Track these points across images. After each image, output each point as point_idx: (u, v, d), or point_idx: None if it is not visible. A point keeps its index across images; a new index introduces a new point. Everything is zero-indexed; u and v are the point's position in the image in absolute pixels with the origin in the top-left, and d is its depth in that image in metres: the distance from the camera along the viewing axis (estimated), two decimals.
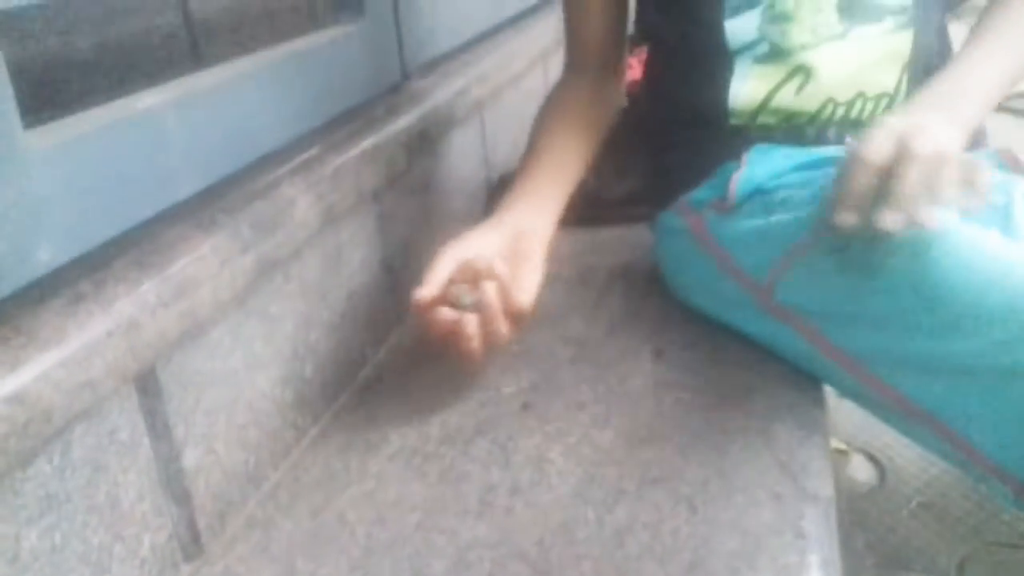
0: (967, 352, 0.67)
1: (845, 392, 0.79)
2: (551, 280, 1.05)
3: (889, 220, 0.65)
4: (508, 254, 0.81)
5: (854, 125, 0.87)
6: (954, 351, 0.68)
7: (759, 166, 0.85)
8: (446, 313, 0.76)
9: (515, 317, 0.78)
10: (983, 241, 0.67)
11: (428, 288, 0.76)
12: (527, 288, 0.79)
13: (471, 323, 0.75)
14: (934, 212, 0.64)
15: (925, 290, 0.68)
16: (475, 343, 0.76)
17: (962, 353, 0.67)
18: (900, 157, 0.66)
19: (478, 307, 0.76)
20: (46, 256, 0.57)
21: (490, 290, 0.76)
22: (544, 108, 0.99)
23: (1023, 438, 0.66)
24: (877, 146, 0.67)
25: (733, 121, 0.88)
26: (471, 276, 0.76)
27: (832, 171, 0.75)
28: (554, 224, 0.88)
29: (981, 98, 0.78)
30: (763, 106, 0.87)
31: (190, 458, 0.66)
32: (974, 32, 0.82)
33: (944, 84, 0.78)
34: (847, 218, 0.67)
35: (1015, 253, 0.67)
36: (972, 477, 0.72)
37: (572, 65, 1.02)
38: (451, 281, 0.77)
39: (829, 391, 0.82)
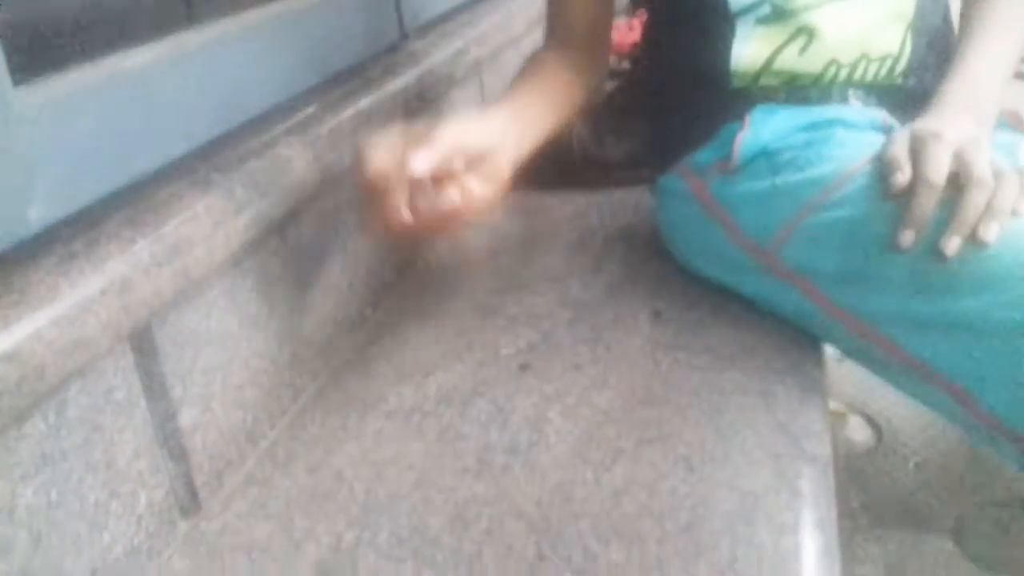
0: (976, 311, 0.66)
1: (850, 352, 0.79)
2: (550, 242, 1.05)
3: (953, 245, 0.67)
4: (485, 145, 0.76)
5: (857, 87, 0.86)
6: (963, 310, 0.67)
7: (763, 126, 0.84)
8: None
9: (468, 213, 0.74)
10: None
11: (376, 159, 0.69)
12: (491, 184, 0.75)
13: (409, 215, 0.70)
14: (995, 230, 0.67)
15: (935, 251, 0.68)
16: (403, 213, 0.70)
17: (971, 312, 0.67)
18: (965, 182, 0.68)
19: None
20: (38, 214, 0.57)
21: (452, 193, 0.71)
22: (523, 69, 0.96)
23: None
24: (937, 163, 0.69)
25: (735, 83, 0.87)
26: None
27: (845, 136, 0.76)
28: (521, 154, 0.83)
29: (995, 91, 0.80)
30: (765, 68, 0.86)
31: (187, 417, 0.66)
32: (970, 17, 0.83)
33: (962, 83, 0.80)
34: (909, 238, 0.69)
35: None
36: (978, 437, 0.72)
37: (554, 40, 0.98)
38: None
39: (828, 352, 0.82)
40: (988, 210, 0.67)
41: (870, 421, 1.18)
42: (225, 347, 0.70)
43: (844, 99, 0.86)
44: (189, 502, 0.67)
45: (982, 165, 0.68)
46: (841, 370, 0.80)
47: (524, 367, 0.81)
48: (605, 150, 1.16)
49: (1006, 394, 0.67)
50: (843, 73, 0.85)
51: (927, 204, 0.69)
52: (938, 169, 0.69)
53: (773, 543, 0.59)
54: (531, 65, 0.95)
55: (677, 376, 0.78)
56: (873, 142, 0.77)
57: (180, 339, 0.65)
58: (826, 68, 0.85)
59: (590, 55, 0.98)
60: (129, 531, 0.61)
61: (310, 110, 0.83)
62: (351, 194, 0.88)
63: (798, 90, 0.86)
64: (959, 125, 0.73)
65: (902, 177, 0.70)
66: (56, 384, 0.53)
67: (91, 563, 0.57)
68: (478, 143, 0.74)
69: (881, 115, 0.84)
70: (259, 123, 0.78)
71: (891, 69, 0.86)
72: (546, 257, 1.02)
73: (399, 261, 0.85)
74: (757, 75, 0.86)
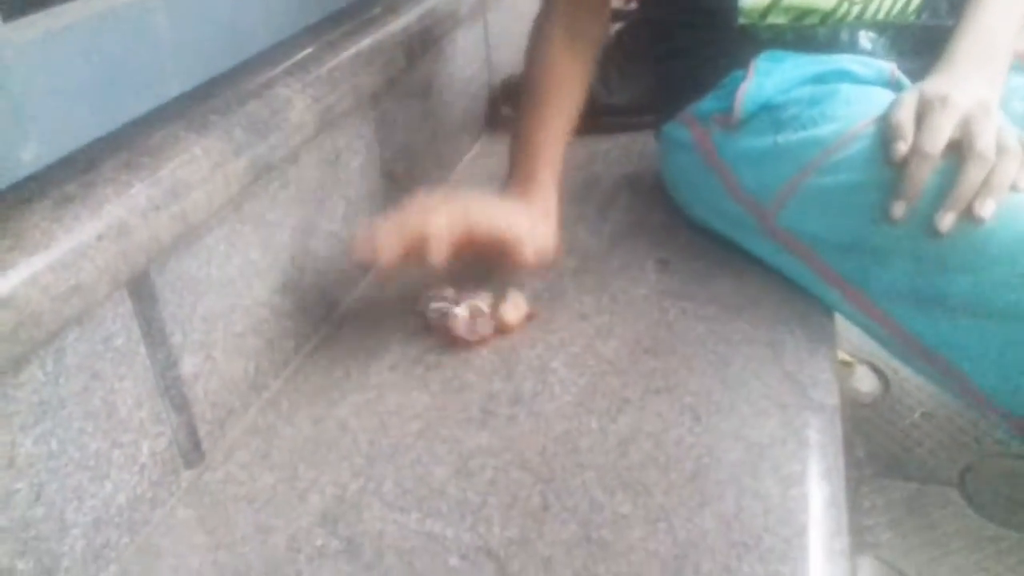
0: (969, 290, 0.66)
1: (848, 319, 0.78)
2: None
3: (947, 221, 0.66)
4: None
5: (869, 27, 0.84)
6: (956, 288, 0.66)
7: (767, 78, 0.82)
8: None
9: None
10: None
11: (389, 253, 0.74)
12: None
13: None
14: (991, 207, 0.65)
15: (930, 225, 0.67)
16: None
17: (964, 291, 0.66)
18: (965, 154, 0.66)
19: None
20: (30, 156, 0.55)
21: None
22: (532, 50, 0.92)
23: (1020, 375, 0.65)
24: (936, 134, 0.67)
25: (741, 21, 0.84)
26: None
27: (849, 90, 0.75)
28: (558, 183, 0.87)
29: (1007, 50, 0.77)
30: (774, 4, 0.83)
31: (188, 365, 0.65)
32: None
33: (975, 36, 0.77)
34: (901, 209, 0.68)
35: None
36: (971, 408, 0.72)
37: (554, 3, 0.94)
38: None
39: None
40: (986, 185, 0.65)
41: (877, 371, 1.18)
42: (226, 294, 0.69)
43: (854, 41, 0.83)
44: (192, 452, 0.66)
45: (986, 137, 0.66)
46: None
47: (529, 317, 0.80)
48: (611, 95, 1.14)
49: (996, 375, 0.66)
50: (855, 10, 0.82)
51: (921, 175, 0.67)
52: (936, 139, 0.67)
53: (780, 493, 0.59)
54: (539, 59, 0.91)
55: (683, 326, 0.77)
56: (880, 100, 0.75)
57: (179, 286, 0.64)
58: (838, 4, 0.82)
59: (594, 11, 0.94)
60: (132, 481, 0.60)
61: (309, 50, 0.81)
62: (352, 136, 0.86)
63: (806, 29, 0.83)
64: (969, 87, 0.70)
65: (903, 146, 0.68)
66: (53, 331, 0.52)
67: (94, 513, 0.57)
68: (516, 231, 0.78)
69: (889, 68, 0.82)
70: (258, 63, 0.76)
71: (905, 4, 0.83)
72: None
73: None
74: (765, 12, 0.83)
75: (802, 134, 0.77)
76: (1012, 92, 0.80)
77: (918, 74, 0.77)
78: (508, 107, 1.21)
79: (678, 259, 0.87)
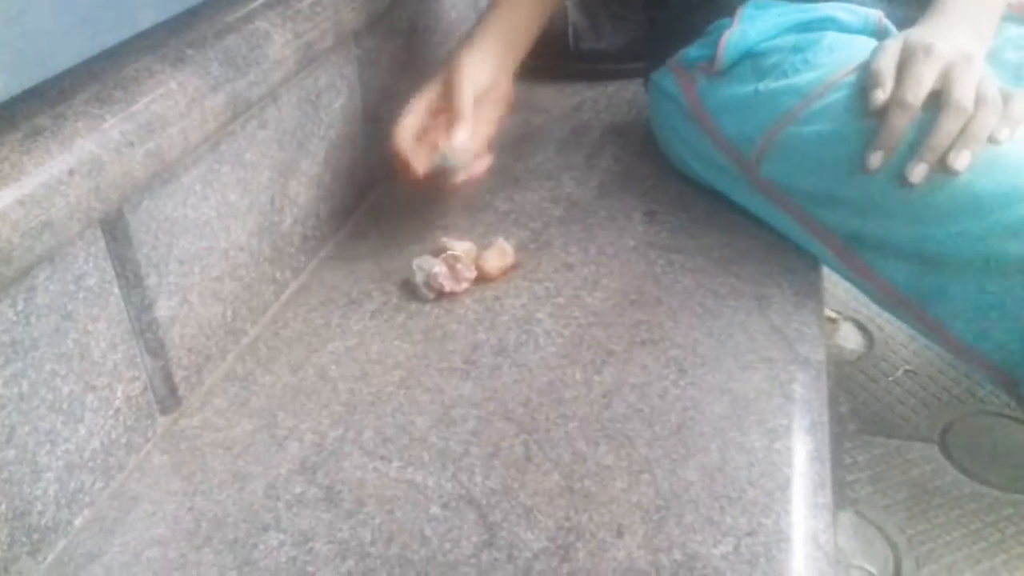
0: (946, 241, 0.65)
1: (833, 270, 0.78)
2: (542, 137, 1.01)
3: (918, 172, 0.65)
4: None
5: None
6: (933, 239, 0.66)
7: (751, 24, 0.80)
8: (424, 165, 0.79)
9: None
10: None
11: (404, 138, 0.79)
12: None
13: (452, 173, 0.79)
14: (965, 158, 0.64)
15: (903, 175, 0.66)
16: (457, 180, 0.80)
17: (941, 242, 0.65)
18: (943, 103, 0.64)
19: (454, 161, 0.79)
20: None
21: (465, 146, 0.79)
22: None
23: (999, 327, 0.65)
24: (917, 84, 0.65)
25: None
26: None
27: (833, 39, 0.74)
28: (511, 78, 0.86)
29: (996, 8, 0.75)
30: None
31: (163, 308, 0.63)
32: None
33: None
34: (878, 160, 0.67)
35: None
36: (958, 360, 0.72)
37: None
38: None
39: None
40: (962, 136, 0.63)
41: (861, 328, 1.18)
42: (203, 236, 0.67)
43: None
44: (168, 397, 0.65)
45: (964, 88, 0.64)
46: (834, 275, 0.79)
47: (514, 266, 0.79)
48: (602, 40, 1.11)
49: (974, 325, 0.66)
50: None
51: (899, 125, 0.66)
52: (917, 89, 0.65)
53: (764, 447, 0.58)
54: None
55: (670, 278, 0.76)
56: (864, 48, 0.74)
57: (154, 226, 0.62)
58: None
59: None
60: (106, 425, 0.59)
61: None
62: (333, 76, 0.84)
63: None
64: (955, 38, 0.68)
65: (881, 95, 0.67)
66: (23, 268, 0.50)
67: (66, 456, 0.56)
68: (485, 85, 0.81)
69: (877, 15, 0.80)
70: None
71: None
72: (538, 153, 0.98)
73: (385, 153, 0.81)
74: None
75: (783, 82, 0.76)
76: (1006, 42, 0.78)
77: (907, 23, 0.75)
78: None
79: (666, 210, 0.86)
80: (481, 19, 0.86)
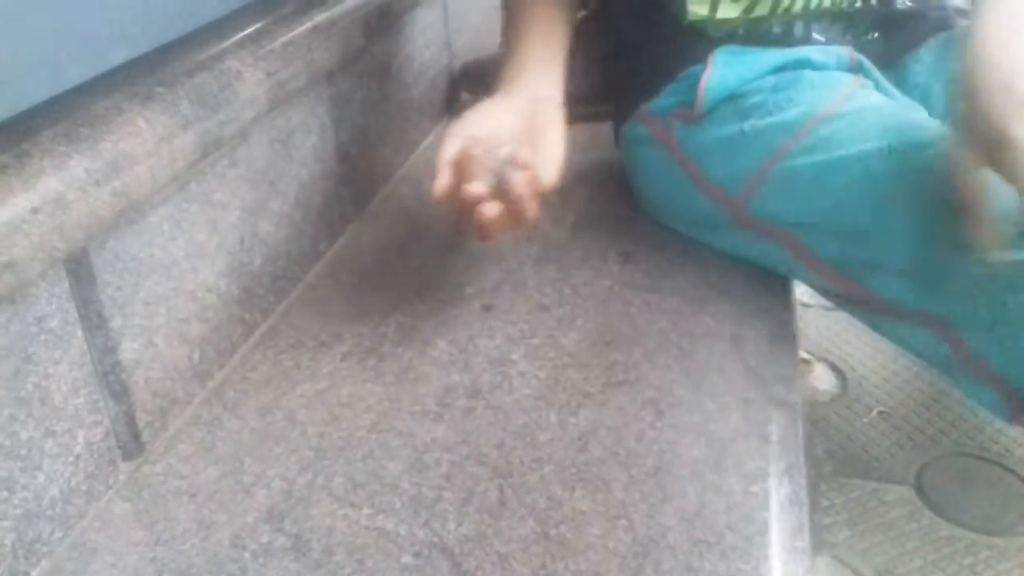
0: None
1: (831, 299, 0.78)
2: None
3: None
4: (526, 128, 0.76)
5: (817, 18, 0.83)
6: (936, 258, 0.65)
7: (729, 69, 0.81)
8: (469, 201, 0.70)
9: (541, 196, 0.73)
10: None
11: (442, 178, 0.71)
12: (551, 162, 0.75)
13: (492, 209, 0.70)
14: None
15: (908, 200, 0.66)
16: (497, 226, 0.71)
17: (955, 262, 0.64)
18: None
19: (501, 194, 0.70)
20: None
21: (517, 180, 0.70)
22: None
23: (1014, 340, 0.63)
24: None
25: (691, 16, 0.82)
26: (489, 161, 0.71)
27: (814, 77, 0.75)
28: (562, 89, 0.82)
29: None
30: None
31: (128, 351, 0.61)
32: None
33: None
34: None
35: None
36: (962, 385, 0.71)
37: None
38: (465, 160, 0.72)
39: (797, 296, 0.81)
40: None
41: (835, 369, 1.18)
42: (169, 277, 0.66)
43: (807, 36, 0.83)
44: (131, 443, 0.63)
45: None
46: (807, 316, 0.79)
47: (487, 307, 0.78)
48: (572, 82, 1.12)
49: (1000, 344, 0.65)
50: (799, 2, 0.81)
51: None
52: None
53: (742, 490, 0.58)
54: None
55: (646, 319, 0.76)
56: (841, 82, 0.76)
57: (120, 266, 0.60)
58: None
59: None
60: (66, 472, 0.57)
61: (262, 23, 0.78)
62: (306, 116, 0.83)
63: (757, 22, 0.82)
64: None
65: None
66: None
67: (24, 505, 0.54)
68: (493, 137, 0.73)
69: (847, 51, 0.82)
70: (208, 34, 0.73)
71: None
72: None
73: (358, 193, 0.81)
74: (714, 4, 0.82)
75: (769, 120, 0.77)
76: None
77: (874, 48, 0.77)
78: (468, 93, 1.18)
79: (641, 251, 0.86)
80: (510, 36, 0.83)
